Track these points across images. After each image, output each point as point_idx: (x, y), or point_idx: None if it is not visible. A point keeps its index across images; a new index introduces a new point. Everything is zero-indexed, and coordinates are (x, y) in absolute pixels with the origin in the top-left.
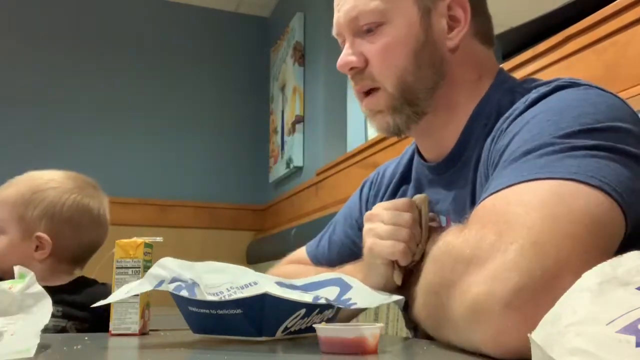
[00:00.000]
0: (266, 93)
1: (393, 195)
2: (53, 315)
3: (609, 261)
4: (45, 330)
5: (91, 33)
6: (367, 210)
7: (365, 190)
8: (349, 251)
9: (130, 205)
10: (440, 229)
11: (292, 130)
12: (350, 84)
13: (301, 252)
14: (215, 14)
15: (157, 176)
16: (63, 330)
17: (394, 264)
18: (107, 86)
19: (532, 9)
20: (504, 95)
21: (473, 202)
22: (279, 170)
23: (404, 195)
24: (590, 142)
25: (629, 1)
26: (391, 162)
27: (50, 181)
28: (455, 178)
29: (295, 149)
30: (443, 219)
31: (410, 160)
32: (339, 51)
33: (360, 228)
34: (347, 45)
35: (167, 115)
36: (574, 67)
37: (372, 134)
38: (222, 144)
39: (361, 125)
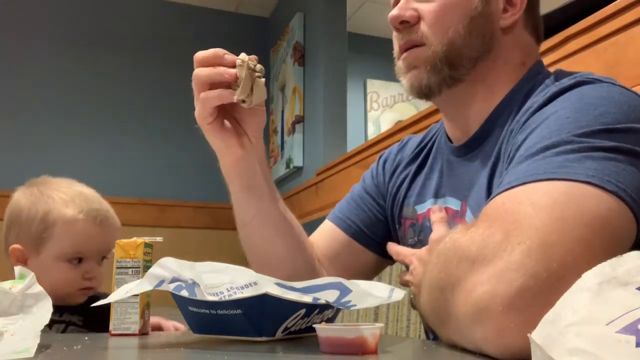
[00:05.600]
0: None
1: (412, 162)
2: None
3: (609, 261)
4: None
5: (91, 33)
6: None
7: (382, 165)
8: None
9: (130, 205)
10: (453, 215)
11: (292, 130)
12: (395, 39)
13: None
14: (215, 14)
15: (157, 176)
16: (64, 332)
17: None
18: (107, 86)
19: None
20: (534, 87)
21: (489, 192)
22: (278, 170)
23: (424, 163)
24: (609, 144)
25: (629, 1)
26: (415, 137)
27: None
28: (475, 163)
29: (295, 149)
30: (458, 203)
31: (434, 137)
32: (339, 51)
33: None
34: (403, 0)
35: (167, 115)
36: (574, 67)
37: (372, 134)
38: None
39: (361, 126)
